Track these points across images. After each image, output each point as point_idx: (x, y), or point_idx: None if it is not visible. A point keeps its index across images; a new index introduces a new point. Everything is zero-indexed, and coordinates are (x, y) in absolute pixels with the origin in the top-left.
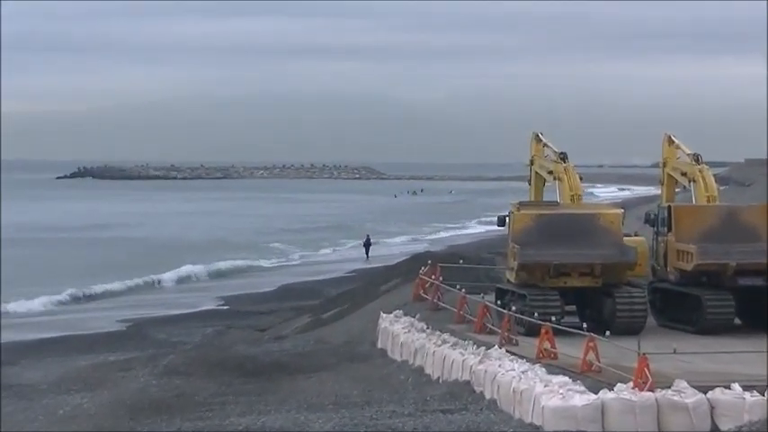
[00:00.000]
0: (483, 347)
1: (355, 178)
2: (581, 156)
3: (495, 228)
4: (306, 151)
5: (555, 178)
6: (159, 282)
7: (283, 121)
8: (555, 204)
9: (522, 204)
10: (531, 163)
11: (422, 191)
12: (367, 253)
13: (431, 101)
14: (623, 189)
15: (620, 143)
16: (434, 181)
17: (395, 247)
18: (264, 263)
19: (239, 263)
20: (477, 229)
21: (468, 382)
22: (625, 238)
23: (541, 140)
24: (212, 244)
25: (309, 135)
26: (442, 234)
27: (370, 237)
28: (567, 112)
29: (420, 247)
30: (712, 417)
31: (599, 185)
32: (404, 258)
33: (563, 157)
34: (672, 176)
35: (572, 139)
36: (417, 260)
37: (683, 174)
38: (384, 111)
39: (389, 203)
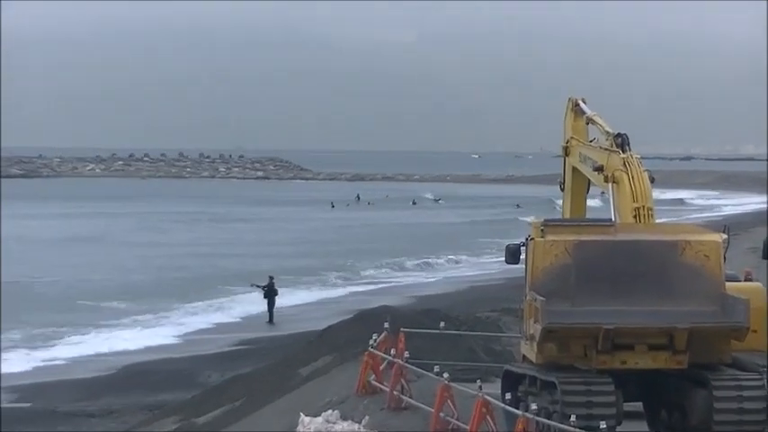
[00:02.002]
0: None
1: (259, 177)
2: (647, 143)
3: (501, 265)
4: (170, 133)
5: (607, 179)
6: None
7: (128, 75)
8: (607, 225)
9: (549, 224)
10: (566, 152)
11: (437, 200)
12: (270, 310)
13: (393, 44)
14: (724, 197)
15: (717, 124)
16: (399, 182)
17: (320, 296)
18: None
19: (55, 330)
20: (466, 266)
21: None
22: (729, 284)
23: (583, 113)
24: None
25: (172, 107)
26: (406, 276)
27: (274, 281)
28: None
29: (367, 299)
30: None
31: (682, 190)
32: (340, 319)
33: (621, 141)
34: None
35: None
36: (365, 321)
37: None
38: (304, 58)
39: (373, 224)
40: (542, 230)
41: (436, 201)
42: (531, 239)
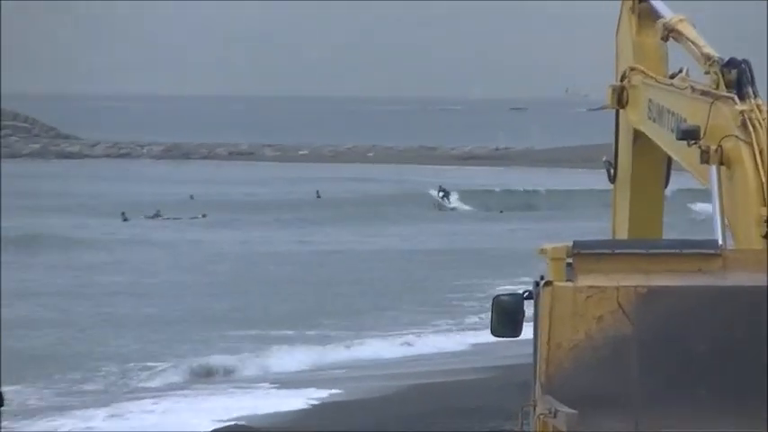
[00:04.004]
0: None
1: None
2: None
3: (482, 338)
4: None
5: (708, 155)
6: None
7: None
8: (706, 254)
9: (583, 253)
10: (620, 100)
11: (442, 195)
12: None
13: None
14: None
15: None
16: (294, 161)
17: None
18: None
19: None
20: (419, 344)
21: None
22: None
23: (657, 17)
24: None
25: None
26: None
27: None
28: None
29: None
30: None
31: None
32: None
33: (739, 76)
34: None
35: None
36: None
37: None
38: None
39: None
40: (570, 266)
41: (443, 196)
42: (546, 285)
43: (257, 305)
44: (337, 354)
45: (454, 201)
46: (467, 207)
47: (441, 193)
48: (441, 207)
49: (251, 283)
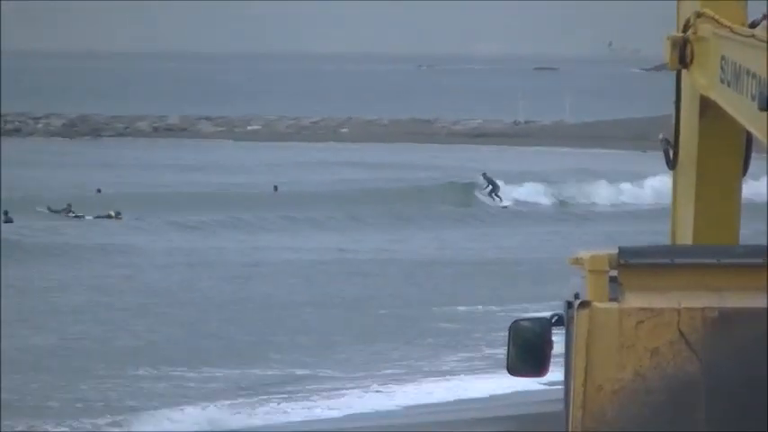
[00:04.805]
0: None
1: None
2: None
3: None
4: None
5: None
6: None
7: None
8: None
9: (631, 264)
10: (683, 59)
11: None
12: None
13: None
14: None
15: None
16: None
17: None
18: None
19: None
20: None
21: None
22: None
23: None
24: None
25: None
26: None
27: None
28: None
29: None
30: None
31: None
32: None
33: None
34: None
35: None
36: None
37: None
38: None
39: None
40: (614, 280)
41: (491, 191)
42: (582, 306)
43: (179, 338)
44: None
45: (505, 197)
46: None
47: (487, 186)
48: (485, 204)
49: (173, 307)
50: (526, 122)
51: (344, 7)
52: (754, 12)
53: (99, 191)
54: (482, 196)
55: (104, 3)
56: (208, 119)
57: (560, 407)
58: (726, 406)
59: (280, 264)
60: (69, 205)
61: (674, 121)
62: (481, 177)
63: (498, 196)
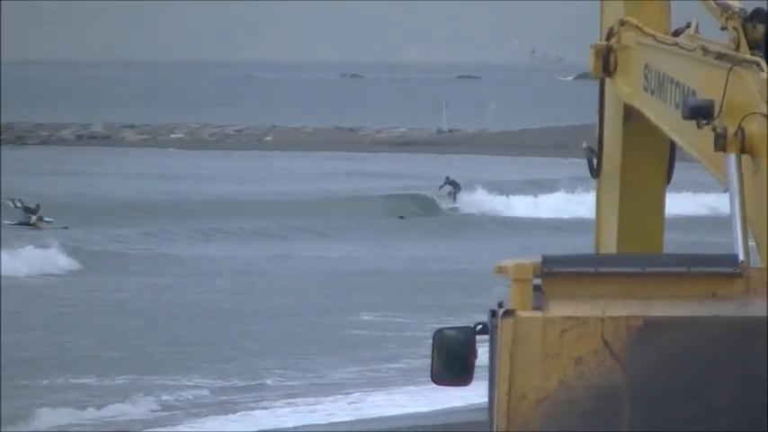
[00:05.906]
0: None
1: None
2: None
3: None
4: None
5: (725, 142)
6: None
7: None
8: (725, 273)
9: (554, 272)
10: (607, 67)
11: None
12: None
13: None
14: None
15: None
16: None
17: None
18: None
19: None
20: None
21: None
22: None
23: None
24: None
25: None
26: None
27: None
28: None
29: None
30: None
31: None
32: None
33: None
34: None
35: None
36: None
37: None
38: None
39: None
40: (538, 289)
41: (450, 191)
42: (506, 315)
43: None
44: None
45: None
46: (476, 208)
47: (446, 187)
48: (439, 205)
49: (91, 320)
50: (450, 131)
51: (274, 15)
52: (687, 15)
53: (16, 204)
54: (439, 197)
55: (31, 10)
56: (131, 127)
57: (485, 416)
58: (650, 416)
59: (205, 270)
60: (37, 205)
61: (597, 130)
62: (446, 178)
63: (455, 197)
